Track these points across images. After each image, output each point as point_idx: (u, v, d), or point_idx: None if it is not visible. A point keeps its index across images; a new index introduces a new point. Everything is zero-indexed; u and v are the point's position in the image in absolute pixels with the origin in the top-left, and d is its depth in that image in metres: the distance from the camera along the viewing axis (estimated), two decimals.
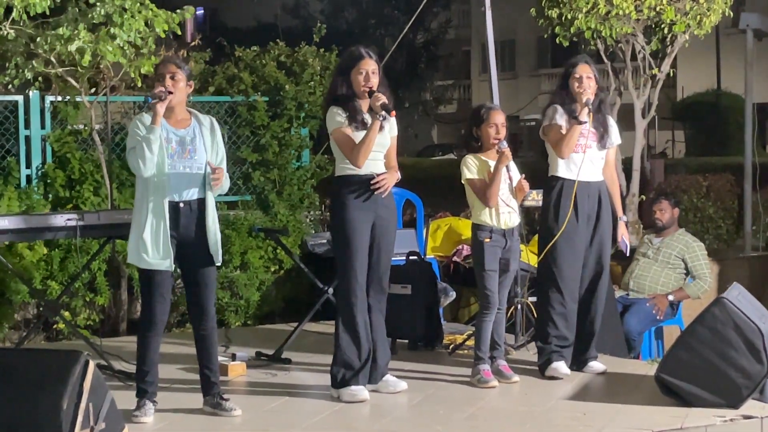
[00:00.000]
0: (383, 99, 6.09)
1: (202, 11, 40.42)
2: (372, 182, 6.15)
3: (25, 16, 7.49)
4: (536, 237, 7.96)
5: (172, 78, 5.80)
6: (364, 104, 6.22)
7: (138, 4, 7.81)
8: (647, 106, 11.22)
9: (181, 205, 5.80)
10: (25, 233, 6.95)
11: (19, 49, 7.78)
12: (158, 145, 5.70)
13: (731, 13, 10.75)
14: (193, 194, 5.84)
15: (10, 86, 8.08)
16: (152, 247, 5.73)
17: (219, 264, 5.99)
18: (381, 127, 6.15)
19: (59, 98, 8.91)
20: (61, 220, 6.92)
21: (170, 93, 5.75)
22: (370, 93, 6.13)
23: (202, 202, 5.86)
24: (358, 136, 6.15)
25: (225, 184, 5.92)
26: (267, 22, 35.63)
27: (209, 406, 5.97)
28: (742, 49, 12.17)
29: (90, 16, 7.71)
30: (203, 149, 5.86)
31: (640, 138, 11.21)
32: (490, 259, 6.58)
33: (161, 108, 5.72)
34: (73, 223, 6.83)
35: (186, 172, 5.80)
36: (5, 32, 7.52)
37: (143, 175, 5.72)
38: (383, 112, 6.08)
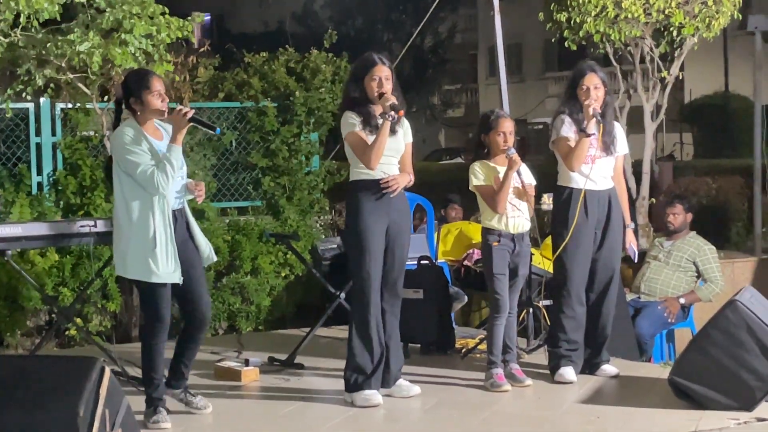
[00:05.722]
0: (392, 99, 6.13)
1: (209, 17, 40.46)
2: (382, 181, 6.17)
3: (35, 23, 7.50)
4: (548, 241, 7.97)
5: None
6: (377, 110, 6.24)
7: (149, 11, 7.82)
8: (656, 109, 11.22)
9: (177, 213, 5.86)
10: (39, 240, 6.97)
11: (31, 56, 7.80)
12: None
13: (740, 16, 10.74)
14: (182, 202, 5.94)
15: (24, 94, 8.09)
16: (164, 261, 5.72)
17: (215, 260, 6.13)
18: (394, 132, 6.19)
19: (70, 105, 8.93)
20: (75, 227, 6.94)
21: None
22: (380, 95, 6.16)
23: (183, 209, 5.98)
24: (371, 139, 6.17)
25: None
26: (273, 28, 35.67)
27: (177, 399, 6.02)
28: (749, 51, 12.17)
29: (99, 21, 7.72)
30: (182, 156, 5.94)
31: (650, 141, 11.20)
32: (499, 263, 6.59)
33: (185, 129, 5.77)
34: (87, 230, 6.86)
35: (178, 181, 5.85)
36: (16, 39, 7.54)
37: (165, 193, 5.71)
38: (392, 112, 6.11)
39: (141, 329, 6.14)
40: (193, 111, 5.78)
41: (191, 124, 5.79)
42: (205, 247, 6.01)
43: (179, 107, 5.79)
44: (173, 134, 5.77)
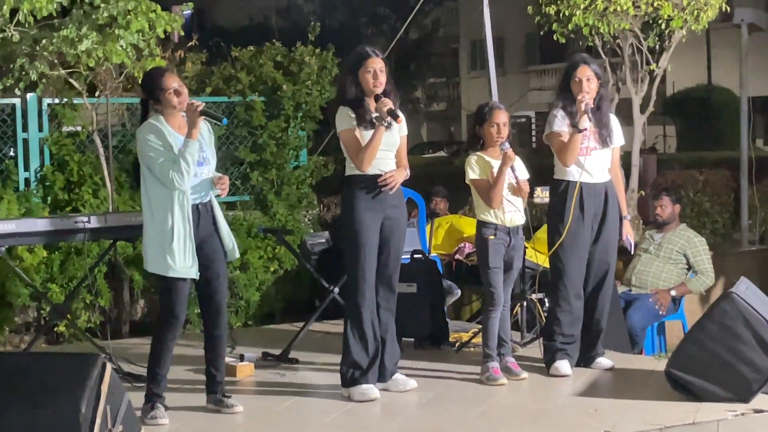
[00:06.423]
0: (390, 105, 6.11)
1: (191, 11, 40.26)
2: (380, 179, 6.15)
3: (31, 19, 7.47)
4: (538, 234, 7.97)
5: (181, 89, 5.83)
6: (372, 104, 6.21)
7: (144, 7, 7.79)
8: (643, 102, 11.21)
9: (200, 207, 5.84)
10: (32, 237, 6.92)
11: (24, 51, 7.75)
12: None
13: (728, 8, 10.75)
14: (207, 197, 5.91)
15: (16, 90, 8.04)
16: (181, 256, 5.71)
17: (238, 257, 6.10)
18: (389, 126, 6.16)
19: (56, 101, 8.87)
20: (69, 223, 6.89)
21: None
22: (377, 97, 6.13)
23: (209, 203, 5.94)
24: (367, 135, 6.15)
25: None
26: (256, 22, 35.57)
27: (212, 404, 6.00)
28: (732, 43, 12.20)
29: (95, 17, 7.69)
30: (210, 152, 5.93)
31: (639, 133, 11.20)
32: (495, 257, 6.58)
33: (200, 122, 5.74)
34: (81, 226, 6.82)
35: (203, 176, 5.84)
36: (10, 34, 7.50)
37: (183, 189, 5.69)
38: (389, 118, 6.09)
39: (154, 323, 6.10)
40: (203, 104, 5.77)
41: (203, 117, 5.77)
42: (229, 242, 5.98)
43: (191, 101, 5.77)
44: (188, 129, 5.75)
